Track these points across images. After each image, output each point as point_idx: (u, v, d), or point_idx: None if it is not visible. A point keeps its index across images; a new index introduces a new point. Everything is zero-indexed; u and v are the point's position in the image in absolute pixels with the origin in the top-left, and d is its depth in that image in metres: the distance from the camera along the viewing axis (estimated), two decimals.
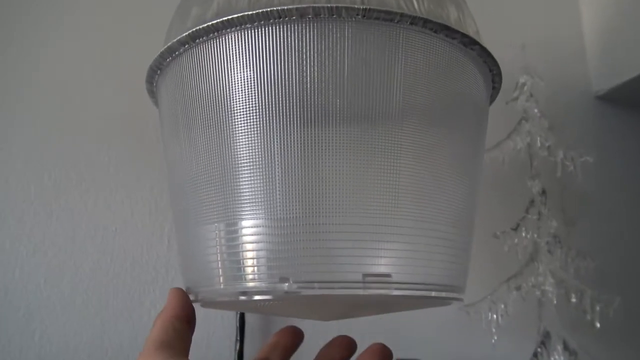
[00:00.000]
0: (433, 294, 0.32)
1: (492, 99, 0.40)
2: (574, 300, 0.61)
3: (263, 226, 0.30)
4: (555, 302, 0.60)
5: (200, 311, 0.55)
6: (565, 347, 0.60)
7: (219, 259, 0.32)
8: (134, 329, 0.53)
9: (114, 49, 0.58)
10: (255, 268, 0.30)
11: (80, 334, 0.51)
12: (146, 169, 0.57)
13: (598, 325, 0.60)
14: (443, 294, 0.32)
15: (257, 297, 0.30)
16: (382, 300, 0.33)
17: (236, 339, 0.55)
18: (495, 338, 0.59)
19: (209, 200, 0.32)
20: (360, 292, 0.29)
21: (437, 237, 0.32)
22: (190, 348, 0.54)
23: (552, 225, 0.63)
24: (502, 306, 0.61)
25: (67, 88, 0.56)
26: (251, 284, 0.30)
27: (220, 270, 0.32)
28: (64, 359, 0.50)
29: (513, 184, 0.66)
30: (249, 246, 0.31)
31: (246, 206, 0.31)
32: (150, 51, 0.35)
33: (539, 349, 0.59)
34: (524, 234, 0.62)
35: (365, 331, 0.61)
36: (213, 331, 0.56)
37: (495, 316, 0.60)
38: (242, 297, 0.31)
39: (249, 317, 0.56)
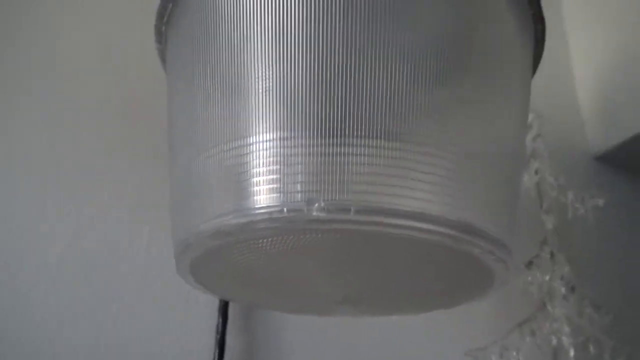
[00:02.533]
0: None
1: (534, 68, 0.37)
2: (592, 350, 0.55)
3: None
4: (572, 353, 0.54)
5: (174, 319, 0.47)
6: None
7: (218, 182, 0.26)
8: (94, 337, 0.45)
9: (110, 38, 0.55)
10: (270, 187, 0.25)
11: (28, 336, 0.43)
12: (137, 163, 0.51)
13: None
14: (492, 250, 0.27)
15: (265, 226, 0.25)
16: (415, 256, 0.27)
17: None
18: None
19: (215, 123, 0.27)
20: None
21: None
22: None
23: (564, 270, 0.58)
24: (514, 353, 0.54)
25: (55, 75, 0.51)
26: (263, 210, 0.25)
27: (221, 196, 0.26)
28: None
29: (523, 222, 0.62)
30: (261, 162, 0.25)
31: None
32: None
33: None
34: (538, 274, 0.56)
35: None
36: (186, 355, 0.47)
37: None
38: (251, 227, 0.25)
39: (229, 338, 0.48)
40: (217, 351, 0.46)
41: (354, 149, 0.24)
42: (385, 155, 0.25)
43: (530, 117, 0.65)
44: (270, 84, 0.26)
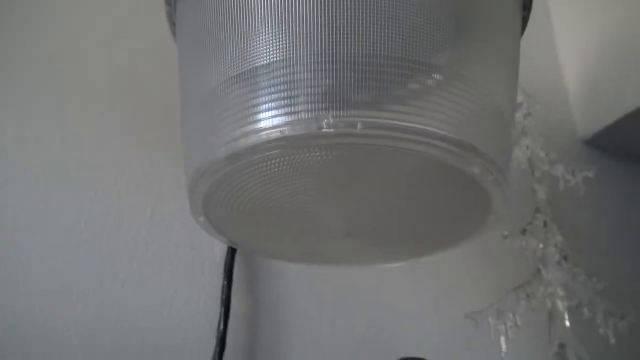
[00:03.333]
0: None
1: (522, 31, 0.39)
2: (586, 313, 0.56)
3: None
4: (567, 315, 0.56)
5: (181, 285, 0.48)
6: None
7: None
8: (102, 303, 0.46)
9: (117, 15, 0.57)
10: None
11: (38, 297, 0.44)
12: (143, 134, 0.53)
13: (613, 341, 0.55)
14: (491, 170, 0.28)
15: (276, 144, 0.26)
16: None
17: (219, 326, 0.47)
18: (505, 350, 0.53)
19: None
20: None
21: None
22: (165, 336, 0.47)
23: (558, 240, 0.60)
24: (511, 316, 0.55)
25: (65, 45, 0.53)
26: (273, 130, 0.26)
27: (233, 123, 0.28)
28: (16, 330, 0.42)
29: (516, 193, 0.64)
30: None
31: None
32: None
33: None
34: (533, 241, 0.58)
35: (364, 336, 0.55)
36: (192, 316, 0.48)
37: (504, 327, 0.55)
38: (263, 147, 0.27)
39: (234, 301, 0.49)
40: (223, 312, 0.47)
41: (361, 68, 0.26)
42: (392, 75, 0.26)
43: (521, 96, 0.67)
44: (276, 14, 0.27)
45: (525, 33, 0.40)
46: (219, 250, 0.51)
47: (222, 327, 0.47)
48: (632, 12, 0.78)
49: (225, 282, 0.49)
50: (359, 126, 0.25)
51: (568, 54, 0.87)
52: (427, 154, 0.26)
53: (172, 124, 0.53)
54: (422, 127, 0.26)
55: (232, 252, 0.50)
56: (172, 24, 0.40)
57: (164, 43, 0.43)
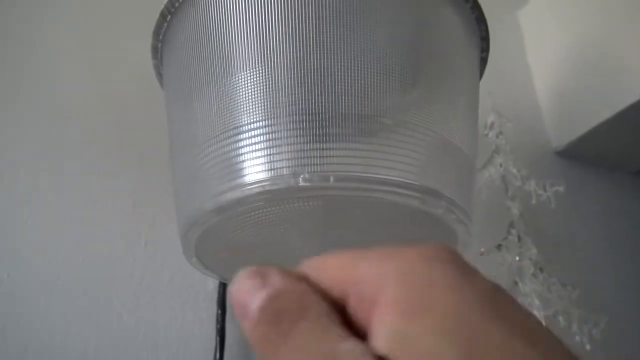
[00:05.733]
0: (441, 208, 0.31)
1: (481, 72, 0.43)
2: (561, 321, 0.60)
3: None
4: (544, 324, 0.59)
5: (177, 312, 0.51)
6: None
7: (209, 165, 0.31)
8: (100, 336, 0.48)
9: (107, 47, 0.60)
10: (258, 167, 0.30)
11: (39, 331, 0.46)
12: (131, 167, 0.55)
13: (588, 347, 0.59)
14: (452, 210, 0.32)
15: (258, 198, 0.29)
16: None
17: (215, 355, 0.50)
18: None
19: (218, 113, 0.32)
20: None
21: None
22: None
23: (532, 252, 0.64)
24: None
25: (58, 78, 0.56)
26: (255, 185, 0.29)
27: (219, 178, 0.31)
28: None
29: (491, 210, 0.67)
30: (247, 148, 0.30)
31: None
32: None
33: None
34: (508, 256, 0.62)
35: None
36: (187, 344, 0.51)
37: None
38: (246, 201, 0.30)
39: (229, 326, 0.52)
40: (218, 339, 0.50)
41: (332, 129, 0.29)
42: (361, 131, 0.30)
43: (492, 116, 0.71)
44: (256, 80, 0.31)
45: (499, 49, 0.43)
46: (212, 279, 0.54)
47: (217, 356, 0.49)
48: (602, 28, 0.82)
49: (219, 311, 0.51)
50: (331, 179, 0.29)
51: (540, 67, 0.91)
52: (393, 200, 0.29)
53: (163, 156, 0.56)
54: (387, 177, 0.29)
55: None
56: (159, 75, 0.43)
57: (151, 75, 0.46)
